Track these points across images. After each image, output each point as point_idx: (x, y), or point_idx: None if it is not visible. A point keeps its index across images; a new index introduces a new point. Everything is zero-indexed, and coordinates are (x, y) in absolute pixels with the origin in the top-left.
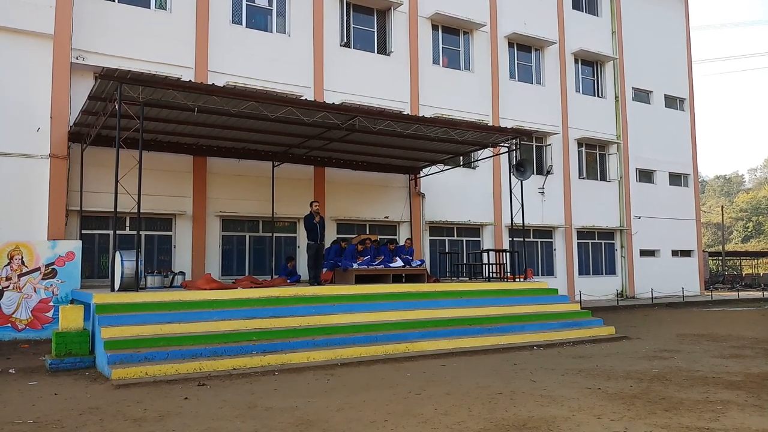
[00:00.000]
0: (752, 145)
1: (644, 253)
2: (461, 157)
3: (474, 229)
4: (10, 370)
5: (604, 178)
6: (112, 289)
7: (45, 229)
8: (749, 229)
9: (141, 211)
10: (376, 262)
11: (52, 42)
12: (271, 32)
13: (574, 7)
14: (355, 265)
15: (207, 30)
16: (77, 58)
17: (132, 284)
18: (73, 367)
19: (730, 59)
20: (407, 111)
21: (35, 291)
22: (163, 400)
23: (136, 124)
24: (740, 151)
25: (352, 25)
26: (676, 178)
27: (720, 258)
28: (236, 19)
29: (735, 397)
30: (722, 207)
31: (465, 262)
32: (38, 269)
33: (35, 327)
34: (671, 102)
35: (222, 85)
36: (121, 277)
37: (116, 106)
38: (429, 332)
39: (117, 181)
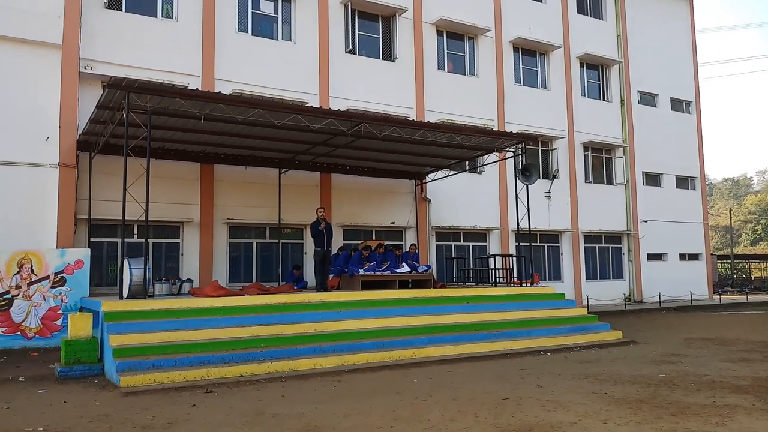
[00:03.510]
0: (760, 146)
1: (652, 257)
2: (467, 162)
3: (480, 234)
4: (20, 378)
5: (610, 181)
6: (121, 297)
7: (54, 237)
8: (758, 232)
9: (149, 218)
10: (383, 268)
11: (60, 52)
12: (277, 40)
13: (578, 11)
14: (361, 271)
15: (213, 38)
16: (85, 68)
17: (140, 292)
18: (82, 375)
19: (736, 61)
20: (413, 117)
21: (44, 299)
22: (172, 408)
23: (144, 132)
24: (748, 153)
25: (357, 32)
26: (683, 181)
27: (729, 261)
28: (242, 27)
29: (742, 401)
30: (730, 210)
31: (471, 267)
32: (47, 277)
33: (44, 335)
34: (677, 105)
35: (228, 93)
36: (130, 284)
37: (124, 115)
38: (435, 338)
39: (125, 189)
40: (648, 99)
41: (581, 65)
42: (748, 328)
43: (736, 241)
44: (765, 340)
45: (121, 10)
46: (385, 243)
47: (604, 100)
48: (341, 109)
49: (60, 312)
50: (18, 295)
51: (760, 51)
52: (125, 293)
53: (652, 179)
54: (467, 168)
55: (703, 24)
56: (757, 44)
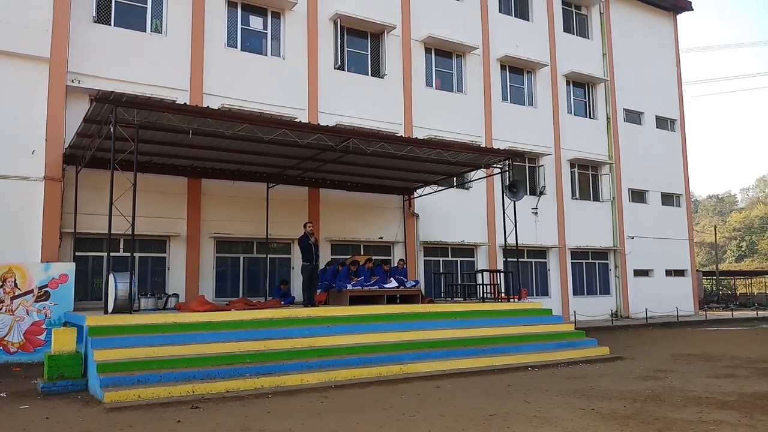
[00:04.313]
0: (744, 164)
1: (638, 272)
2: (455, 178)
3: (468, 250)
4: (2, 394)
5: (597, 198)
6: (106, 312)
7: (39, 251)
8: (743, 249)
9: (135, 232)
10: (371, 283)
11: (48, 65)
12: (266, 55)
13: (565, 30)
14: (349, 286)
15: (202, 53)
16: (73, 81)
17: (126, 306)
18: (65, 391)
19: (720, 80)
20: (401, 132)
21: (28, 314)
22: (156, 424)
23: (131, 146)
24: (732, 171)
25: (346, 49)
26: (668, 198)
27: (714, 277)
28: (231, 43)
29: (728, 417)
30: (715, 226)
31: (459, 282)
32: (31, 291)
33: (27, 350)
34: (662, 123)
35: (217, 108)
36: (115, 299)
37: (111, 129)
38: (423, 353)
39: (111, 203)
40: (633, 117)
41: (568, 83)
42: (733, 343)
43: (721, 258)
44: (750, 356)
45: (109, 24)
46: (374, 258)
47: (590, 117)
48: (330, 125)
49: (43, 326)
50: (1, 309)
51: (744, 71)
52: (110, 308)
53: (638, 196)
54: (455, 184)
55: (687, 44)
56: (740, 64)
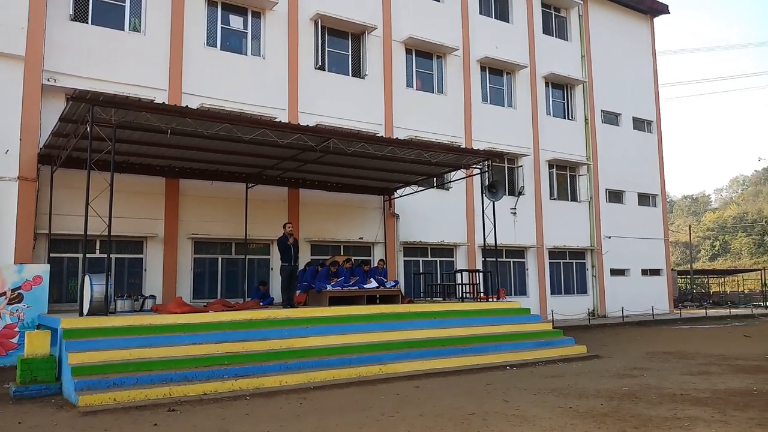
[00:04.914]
0: (718, 166)
1: (615, 272)
2: (435, 179)
3: (448, 250)
4: None
5: (574, 198)
6: (81, 314)
7: (12, 252)
8: (716, 248)
9: (111, 233)
10: (350, 284)
11: (23, 63)
12: (246, 55)
13: (544, 32)
14: (328, 287)
15: (181, 52)
16: (48, 80)
17: (101, 308)
18: (39, 395)
19: (696, 83)
20: (382, 133)
21: (0, 316)
22: (132, 427)
23: (108, 146)
24: (706, 172)
25: (327, 49)
26: (644, 199)
27: (688, 276)
28: (211, 42)
29: (702, 413)
30: (690, 226)
31: (439, 282)
32: (4, 294)
33: None
34: (639, 124)
35: (196, 108)
36: (90, 301)
37: (88, 129)
38: (403, 354)
39: (87, 204)
40: (611, 118)
41: (546, 84)
42: (707, 341)
43: (695, 257)
44: (723, 354)
45: (87, 23)
46: (353, 258)
47: (568, 118)
48: (310, 125)
49: (16, 329)
50: None
51: (718, 73)
52: (86, 310)
53: (615, 196)
54: (435, 184)
55: (663, 47)
56: (714, 67)
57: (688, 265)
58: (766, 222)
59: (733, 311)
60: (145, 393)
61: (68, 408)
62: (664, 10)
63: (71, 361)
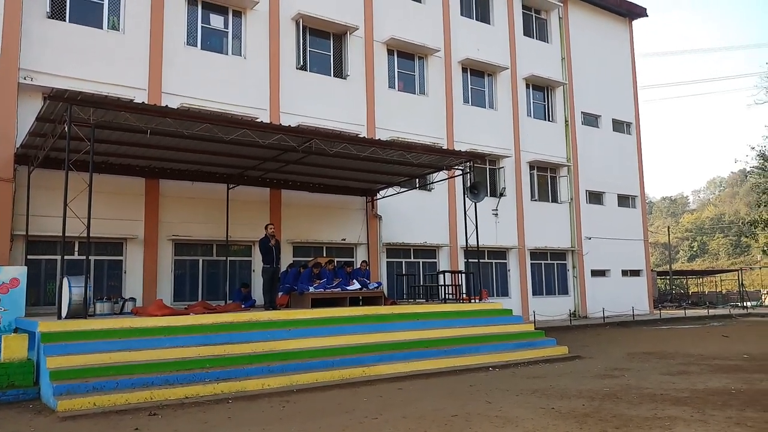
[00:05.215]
0: (696, 167)
1: (595, 273)
2: (417, 180)
3: (430, 251)
4: None
5: (555, 200)
6: (59, 317)
7: None
8: (694, 249)
9: (90, 235)
10: (333, 285)
11: None
12: (227, 54)
13: (525, 34)
14: (311, 289)
15: (161, 51)
16: (25, 79)
17: (80, 311)
18: (16, 400)
19: (675, 85)
20: (364, 134)
21: None
22: None
23: (87, 146)
24: (684, 173)
25: (308, 49)
26: (624, 200)
27: (667, 277)
28: (191, 41)
29: (681, 413)
30: (669, 227)
31: (422, 283)
32: None
33: None
34: (619, 126)
35: (176, 107)
36: (69, 304)
37: (66, 128)
38: (386, 355)
39: (66, 205)
40: (591, 120)
41: (527, 86)
42: (686, 341)
43: (674, 258)
44: (702, 353)
45: (64, 21)
46: (336, 260)
47: (549, 120)
48: (292, 125)
49: None
50: None
51: (697, 76)
52: (64, 313)
53: (595, 198)
54: (417, 185)
55: (642, 49)
56: (691, 70)
57: (667, 266)
58: (742, 223)
59: (712, 311)
60: (125, 397)
61: (47, 413)
62: (642, 13)
63: (49, 365)
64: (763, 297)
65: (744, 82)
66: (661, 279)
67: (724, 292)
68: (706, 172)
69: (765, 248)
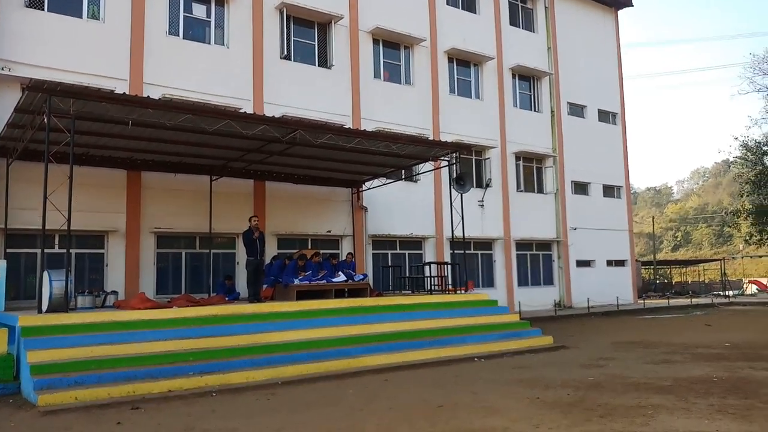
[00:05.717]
0: (680, 158)
1: (580, 263)
2: (403, 171)
3: (416, 242)
4: None
5: (541, 190)
6: (40, 311)
7: None
8: (678, 239)
9: (71, 228)
10: (319, 277)
11: None
12: (210, 44)
13: (511, 24)
14: (296, 281)
15: (142, 41)
16: (3, 69)
17: (61, 305)
18: None
19: (659, 76)
20: (349, 124)
21: None
22: (94, 426)
23: (67, 137)
24: (669, 163)
25: (292, 38)
26: (609, 190)
27: (652, 267)
28: (173, 31)
29: (665, 401)
30: (653, 218)
31: (407, 275)
32: None
33: None
34: (604, 116)
35: (157, 98)
36: (50, 297)
37: (45, 120)
38: (372, 347)
39: (45, 197)
40: (577, 110)
41: (513, 76)
42: (669, 331)
43: (658, 248)
44: (685, 342)
45: (43, 10)
46: (321, 252)
47: (535, 111)
48: (276, 116)
49: None
50: None
51: (681, 66)
52: (45, 307)
53: (581, 188)
54: (403, 176)
55: (627, 40)
56: (677, 60)
57: (652, 256)
58: (725, 213)
59: (695, 301)
60: (107, 391)
61: (27, 408)
62: (627, 3)
63: (30, 359)
64: (744, 286)
65: (727, 72)
66: (645, 269)
67: (707, 281)
68: (690, 162)
69: (747, 238)
